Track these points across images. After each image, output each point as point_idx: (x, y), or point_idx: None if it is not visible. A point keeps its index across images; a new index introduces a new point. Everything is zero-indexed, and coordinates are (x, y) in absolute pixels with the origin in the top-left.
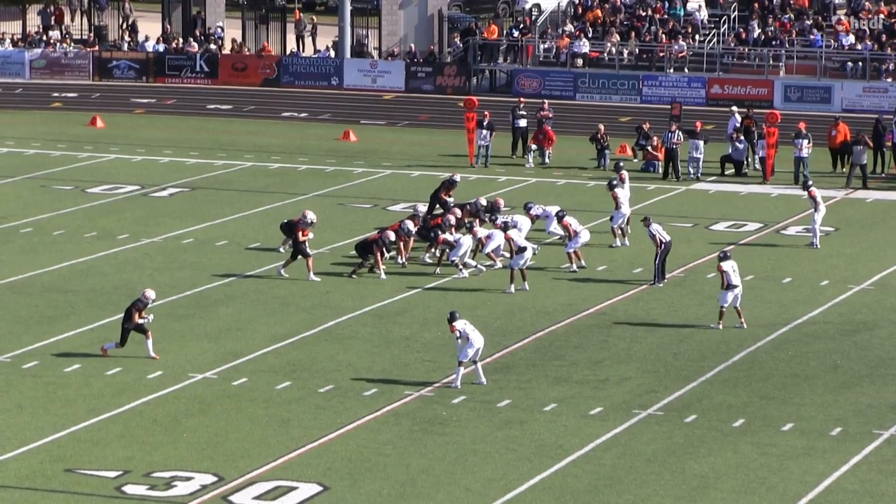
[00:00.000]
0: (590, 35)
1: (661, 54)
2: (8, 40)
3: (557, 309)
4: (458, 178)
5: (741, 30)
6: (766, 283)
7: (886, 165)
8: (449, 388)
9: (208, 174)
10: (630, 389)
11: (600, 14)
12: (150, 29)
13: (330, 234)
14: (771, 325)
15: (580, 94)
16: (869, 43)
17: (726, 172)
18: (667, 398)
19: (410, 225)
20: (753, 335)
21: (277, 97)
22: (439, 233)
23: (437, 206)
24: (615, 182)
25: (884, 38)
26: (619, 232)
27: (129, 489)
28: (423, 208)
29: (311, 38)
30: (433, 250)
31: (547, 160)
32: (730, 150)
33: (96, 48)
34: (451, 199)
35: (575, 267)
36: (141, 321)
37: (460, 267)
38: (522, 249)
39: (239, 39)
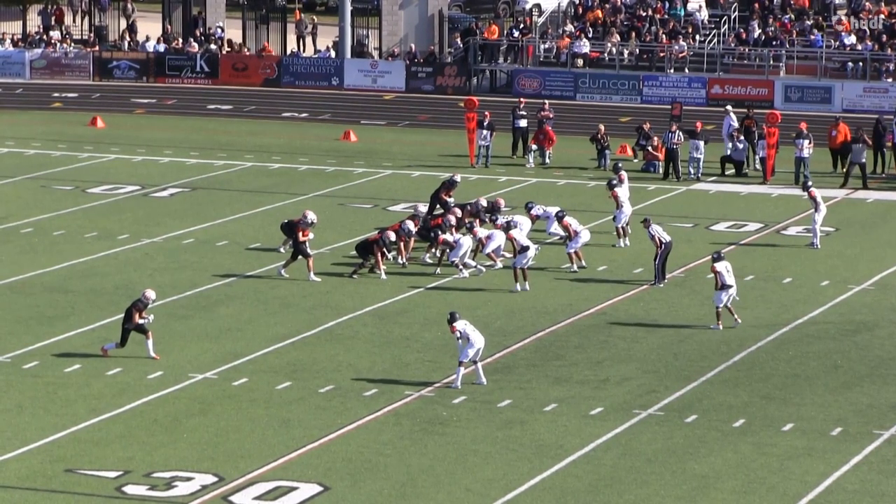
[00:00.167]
0: (590, 35)
1: (662, 54)
2: (8, 40)
3: (558, 309)
4: (458, 178)
5: (741, 30)
6: (766, 284)
7: (887, 165)
8: (449, 388)
9: (209, 174)
10: (630, 389)
11: (601, 14)
12: (150, 29)
13: (330, 234)
14: (771, 325)
15: (580, 95)
16: (869, 43)
17: (727, 173)
18: (667, 398)
19: (411, 225)
20: (754, 335)
21: (278, 97)
22: (439, 233)
23: (438, 206)
24: (614, 182)
25: (884, 38)
26: (621, 231)
27: (130, 489)
28: (423, 208)
29: (311, 38)
30: (433, 250)
31: (547, 160)
32: (728, 150)
33: (96, 48)
34: (451, 200)
35: (575, 267)
36: (141, 321)
37: (460, 267)
38: (525, 248)
39: (239, 40)
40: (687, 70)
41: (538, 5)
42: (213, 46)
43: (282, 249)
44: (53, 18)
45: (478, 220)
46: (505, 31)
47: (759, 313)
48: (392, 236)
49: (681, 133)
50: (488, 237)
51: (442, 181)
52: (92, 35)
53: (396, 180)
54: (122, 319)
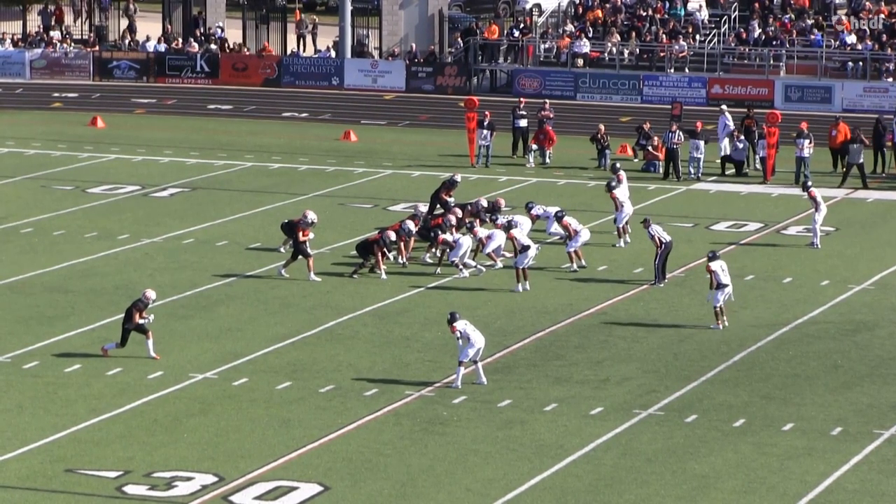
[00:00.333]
0: (590, 35)
1: (662, 54)
2: (8, 40)
3: (558, 309)
4: (458, 178)
5: (742, 30)
6: (766, 283)
7: (887, 165)
8: (449, 388)
9: (209, 174)
10: (630, 389)
11: (601, 14)
12: (150, 29)
13: (330, 234)
14: (771, 325)
15: (581, 94)
16: (869, 43)
17: (727, 172)
18: (667, 398)
19: (411, 225)
20: (754, 335)
21: (278, 97)
22: (439, 233)
23: (438, 206)
24: (613, 184)
25: (884, 37)
26: (622, 231)
27: (130, 489)
28: (423, 208)
29: (311, 38)
30: (433, 250)
31: (547, 160)
32: (722, 149)
33: (97, 48)
34: (451, 200)
35: (575, 266)
36: (141, 321)
37: (460, 267)
38: (526, 248)
39: (238, 40)
40: (687, 70)
41: (538, 5)
42: (213, 46)
43: (282, 249)
44: (53, 18)
45: (478, 220)
46: (505, 31)
47: (759, 313)
48: (392, 236)
49: (681, 133)
50: (488, 237)
51: (442, 181)
52: (92, 35)
53: (396, 180)
54: (123, 319)
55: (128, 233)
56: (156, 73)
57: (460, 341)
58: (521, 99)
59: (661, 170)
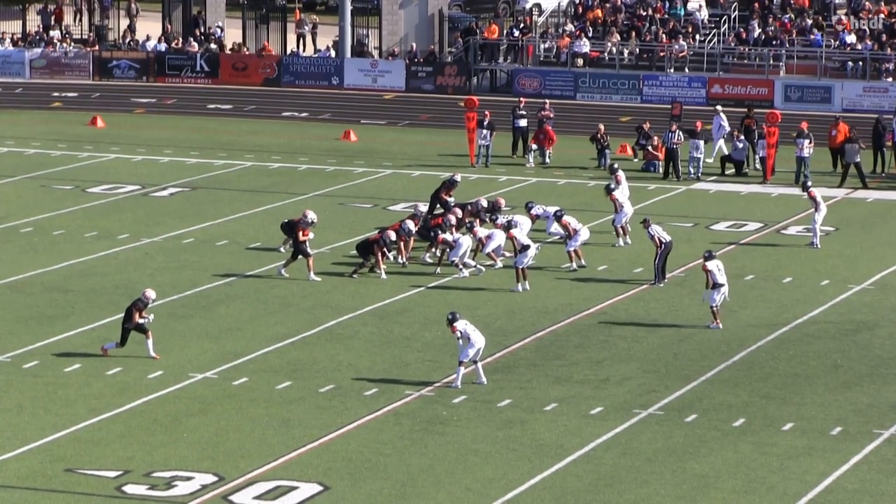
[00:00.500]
0: (590, 35)
1: (662, 54)
2: (8, 40)
3: (558, 308)
4: (458, 177)
5: (741, 29)
6: (766, 283)
7: (886, 165)
8: (449, 387)
9: (208, 174)
10: (630, 389)
11: (601, 14)
12: (150, 28)
13: (330, 233)
14: (771, 325)
15: (581, 94)
16: (869, 43)
17: (726, 172)
18: (667, 398)
19: (411, 225)
20: (754, 335)
21: (278, 97)
22: (439, 232)
23: (438, 206)
24: (612, 186)
25: (884, 37)
26: (621, 231)
27: (130, 489)
28: (423, 208)
29: (311, 37)
30: (433, 250)
31: (547, 160)
32: (714, 150)
33: (96, 48)
34: (451, 199)
35: (575, 266)
36: (141, 321)
37: (460, 267)
38: (526, 248)
39: (239, 39)
40: (687, 70)
41: (538, 5)
42: (213, 46)
43: (282, 249)
44: (53, 18)
45: (478, 220)
46: (505, 31)
47: (759, 313)
48: (392, 236)
49: (681, 133)
50: (488, 237)
51: (442, 181)
52: (92, 34)
53: (396, 180)
54: (122, 319)
55: (128, 232)
56: (156, 73)
57: (460, 341)
58: (521, 99)
59: (661, 170)
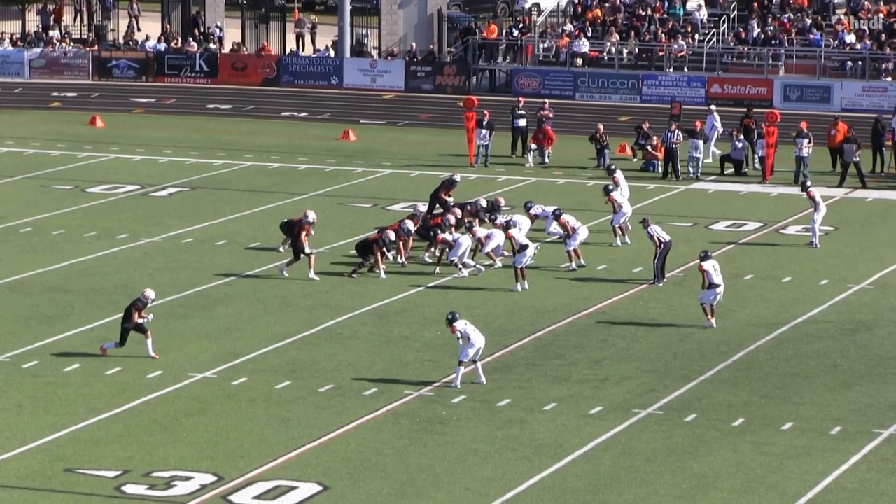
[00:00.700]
0: (589, 34)
1: (661, 54)
2: (7, 40)
3: (557, 308)
4: (458, 177)
5: (741, 29)
6: (765, 283)
7: (886, 165)
8: (449, 387)
9: (208, 174)
10: (630, 389)
11: (600, 13)
12: (149, 28)
13: (330, 233)
14: (770, 325)
15: (580, 94)
16: (868, 42)
17: (726, 172)
18: (666, 397)
19: (410, 224)
20: (753, 335)
21: (277, 97)
22: (439, 232)
23: (437, 205)
24: (610, 187)
25: (883, 37)
26: (620, 231)
27: (129, 489)
28: (422, 208)
29: (310, 37)
30: (433, 250)
31: (546, 160)
32: (711, 150)
33: (95, 48)
34: (450, 199)
35: (574, 265)
36: (140, 321)
37: (459, 266)
38: (524, 247)
39: (237, 39)
40: (686, 69)
41: (537, 4)
42: (212, 46)
43: (281, 249)
44: (52, 18)
45: (477, 220)
46: (504, 31)
47: (759, 312)
48: (392, 236)
49: (680, 132)
50: (487, 236)
51: (441, 181)
52: (91, 34)
53: (396, 180)
54: (122, 319)
55: (127, 232)
56: (155, 73)
57: (460, 341)
58: (521, 98)
59: (660, 169)
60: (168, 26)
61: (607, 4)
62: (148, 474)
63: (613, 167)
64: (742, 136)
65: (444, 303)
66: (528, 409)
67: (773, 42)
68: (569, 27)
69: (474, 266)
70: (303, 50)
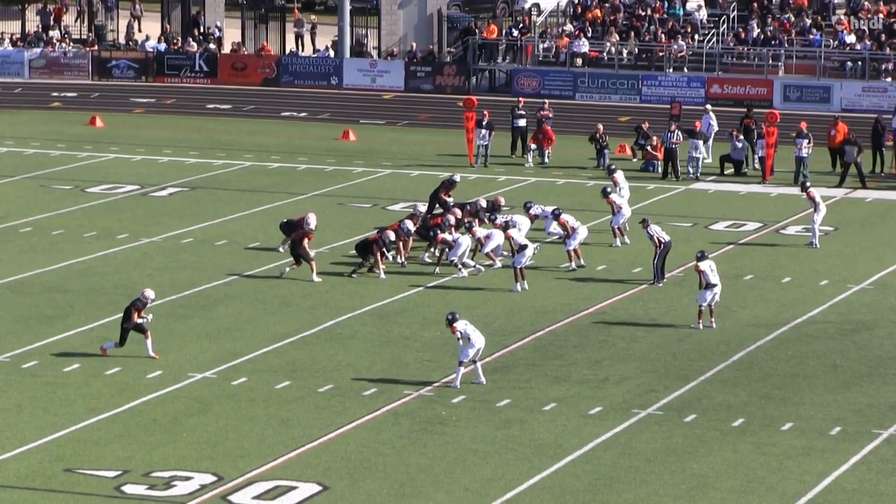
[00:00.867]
0: (589, 35)
1: (661, 54)
2: (7, 40)
3: (557, 308)
4: (457, 178)
5: (740, 29)
6: (765, 283)
7: (886, 165)
8: (448, 387)
9: (208, 174)
10: (629, 389)
11: (600, 14)
12: (149, 28)
13: (330, 233)
14: (770, 325)
15: (580, 94)
16: (868, 42)
17: (726, 172)
18: (666, 398)
19: (410, 224)
20: (753, 335)
21: (277, 97)
22: (439, 232)
23: (437, 206)
24: (609, 189)
25: (883, 37)
26: (619, 231)
27: (129, 489)
28: (422, 208)
29: (310, 37)
30: (432, 250)
31: (546, 160)
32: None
33: (95, 48)
34: (450, 200)
35: (574, 265)
36: (140, 321)
37: (459, 267)
38: (523, 247)
39: (237, 39)
40: (686, 69)
41: (537, 5)
42: (212, 46)
43: (281, 249)
44: (52, 18)
45: (477, 220)
46: (504, 31)
47: (758, 313)
48: (392, 236)
49: (680, 132)
50: (487, 236)
51: (441, 181)
52: (91, 34)
53: (396, 180)
54: (121, 319)
55: (127, 232)
56: (155, 73)
57: (461, 342)
58: (520, 98)
59: (660, 169)
60: (168, 26)
61: (607, 4)
62: (148, 474)
63: (614, 167)
64: (742, 137)
65: (444, 303)
66: (527, 409)
67: (772, 42)
68: (569, 27)
69: (474, 266)
70: (302, 50)
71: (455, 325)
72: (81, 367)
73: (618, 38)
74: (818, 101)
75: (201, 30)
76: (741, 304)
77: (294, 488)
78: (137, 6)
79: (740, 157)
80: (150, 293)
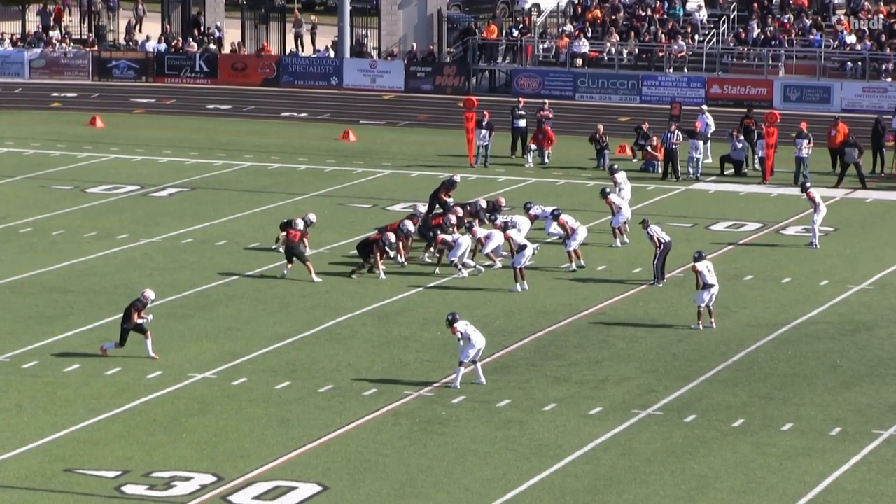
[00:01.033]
0: (589, 35)
1: (661, 54)
2: (7, 40)
3: (557, 309)
4: (458, 178)
5: (740, 30)
6: (765, 283)
7: (886, 165)
8: (448, 388)
9: (208, 174)
10: (629, 389)
11: (600, 14)
12: (149, 29)
13: (330, 234)
14: (770, 325)
15: (580, 94)
16: (868, 43)
17: (726, 172)
18: (666, 398)
19: (410, 225)
20: (753, 335)
21: (277, 97)
22: (439, 233)
23: (437, 206)
24: (608, 189)
25: (883, 37)
26: (619, 231)
27: (129, 489)
28: (422, 208)
29: (310, 37)
30: (432, 250)
31: (546, 160)
32: (704, 149)
33: (95, 48)
34: (450, 200)
35: (574, 266)
36: (140, 321)
37: (459, 267)
38: (523, 248)
39: (237, 40)
40: (686, 70)
41: (537, 5)
42: (212, 46)
43: (279, 249)
44: (52, 18)
45: (477, 220)
46: (504, 31)
47: (758, 313)
48: (392, 236)
49: (680, 133)
50: (487, 237)
51: (441, 181)
52: (91, 35)
53: (396, 180)
54: (121, 319)
55: (127, 232)
56: (155, 73)
57: (461, 342)
58: (520, 99)
59: (660, 170)
60: (168, 27)
61: (607, 5)
62: (148, 474)
63: (616, 167)
64: (742, 137)
65: (444, 303)
66: (527, 409)
67: (772, 42)
68: (569, 28)
69: (474, 266)
70: (302, 50)
71: (455, 325)
72: (81, 368)
73: (618, 39)
74: (818, 101)
75: (201, 30)
76: (741, 304)
77: (294, 489)
78: (140, 6)
79: (740, 157)
80: (150, 293)
